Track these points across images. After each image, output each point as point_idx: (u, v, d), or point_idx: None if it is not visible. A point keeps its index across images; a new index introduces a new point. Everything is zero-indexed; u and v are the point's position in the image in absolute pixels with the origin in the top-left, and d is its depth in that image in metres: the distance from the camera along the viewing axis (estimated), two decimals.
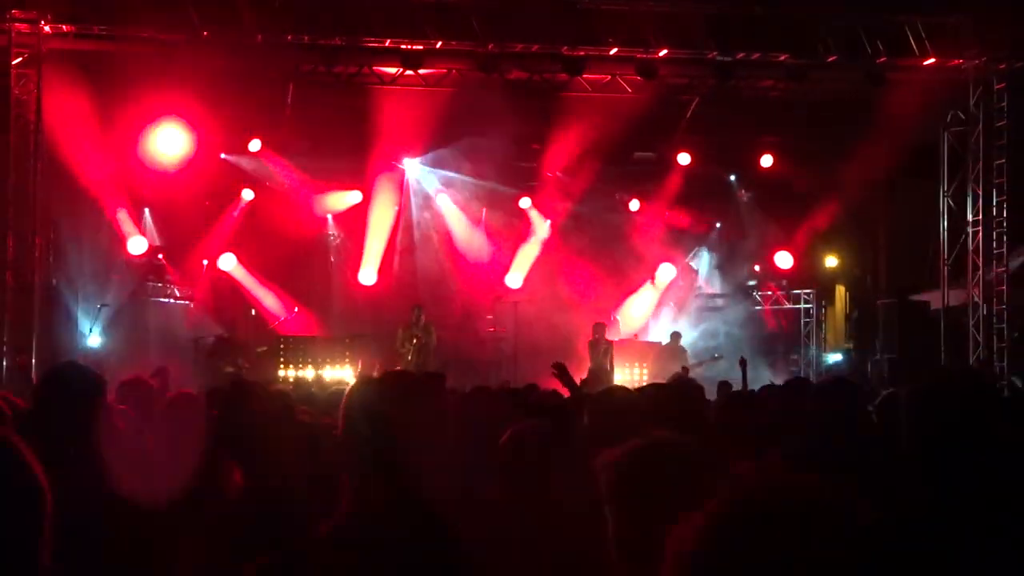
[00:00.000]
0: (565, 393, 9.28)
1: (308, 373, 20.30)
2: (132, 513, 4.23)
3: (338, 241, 24.94)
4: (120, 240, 22.56)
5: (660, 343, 23.02)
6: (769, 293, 25.75)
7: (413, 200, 24.93)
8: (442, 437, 3.71)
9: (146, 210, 23.56)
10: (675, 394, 6.52)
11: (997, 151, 21.14)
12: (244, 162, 23.73)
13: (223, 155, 23.58)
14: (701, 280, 26.18)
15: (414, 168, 24.55)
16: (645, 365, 21.90)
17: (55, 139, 19.59)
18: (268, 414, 5.49)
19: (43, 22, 18.61)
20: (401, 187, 24.68)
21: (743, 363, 14.13)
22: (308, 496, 4.52)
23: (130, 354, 21.69)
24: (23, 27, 18.62)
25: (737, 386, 12.66)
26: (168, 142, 22.50)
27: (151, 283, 23.33)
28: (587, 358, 20.37)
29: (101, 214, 22.13)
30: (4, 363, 18.34)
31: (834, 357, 25.10)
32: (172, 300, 23.69)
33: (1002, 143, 21.04)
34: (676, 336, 22.14)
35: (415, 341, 20.61)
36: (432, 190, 24.96)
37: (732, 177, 25.54)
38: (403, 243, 24.86)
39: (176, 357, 21.37)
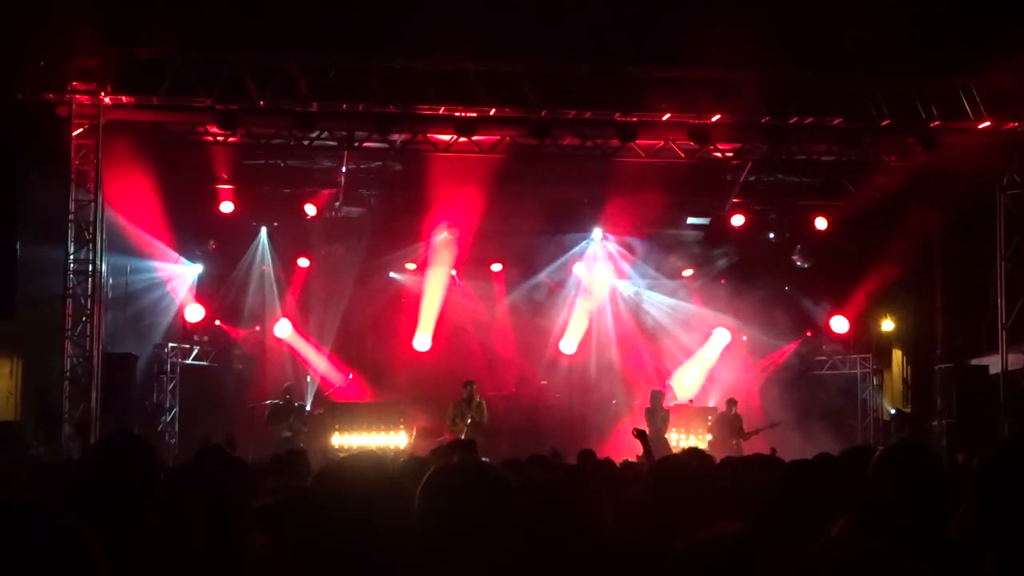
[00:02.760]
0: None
1: (362, 440, 20.40)
2: None
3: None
4: (179, 308, 22.85)
5: (716, 408, 22.84)
6: (824, 358, 25.55)
7: (467, 266, 24.96)
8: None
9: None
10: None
11: None
12: (300, 231, 23.99)
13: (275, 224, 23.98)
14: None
15: (469, 234, 24.54)
16: (701, 432, 21.71)
17: (114, 208, 19.90)
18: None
19: (103, 93, 18.88)
20: (456, 253, 24.71)
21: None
22: None
23: (191, 421, 21.97)
24: (84, 99, 18.86)
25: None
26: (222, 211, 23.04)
27: (209, 350, 23.59)
28: (645, 425, 20.09)
29: (160, 282, 22.50)
30: (64, 429, 18.44)
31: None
32: (229, 367, 23.89)
33: None
34: (732, 403, 21.90)
35: (469, 420, 20.42)
36: (486, 257, 25.00)
37: (786, 241, 25.36)
38: (458, 309, 24.88)
39: (235, 423, 21.55)
